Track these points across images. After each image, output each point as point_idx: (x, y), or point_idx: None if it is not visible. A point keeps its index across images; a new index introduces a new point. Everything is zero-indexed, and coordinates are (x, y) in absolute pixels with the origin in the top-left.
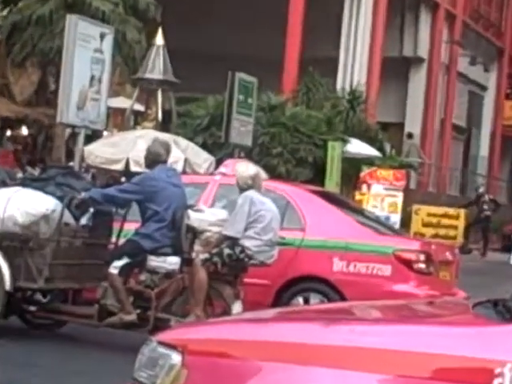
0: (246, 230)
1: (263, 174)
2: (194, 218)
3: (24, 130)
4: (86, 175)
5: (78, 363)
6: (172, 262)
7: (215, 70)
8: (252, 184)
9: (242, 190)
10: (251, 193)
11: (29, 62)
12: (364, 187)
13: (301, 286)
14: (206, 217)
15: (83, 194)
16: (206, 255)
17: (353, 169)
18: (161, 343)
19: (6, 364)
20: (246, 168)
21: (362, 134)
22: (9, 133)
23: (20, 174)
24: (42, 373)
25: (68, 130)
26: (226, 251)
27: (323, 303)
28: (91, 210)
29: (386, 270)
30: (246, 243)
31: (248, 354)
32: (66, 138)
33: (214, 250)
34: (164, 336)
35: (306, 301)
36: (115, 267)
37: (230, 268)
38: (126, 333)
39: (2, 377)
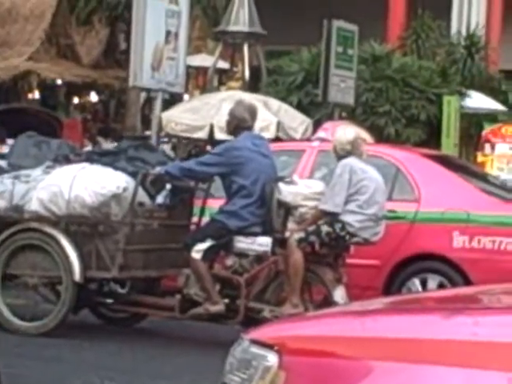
0: (346, 203)
1: (366, 137)
2: (285, 192)
3: (93, 97)
4: (164, 146)
5: (159, 364)
6: (262, 242)
7: (309, 18)
8: (351, 150)
9: (340, 157)
10: (351, 160)
11: (95, 18)
12: (487, 147)
13: (416, 267)
14: (300, 190)
15: (158, 169)
16: (302, 234)
17: (473, 126)
18: (254, 342)
19: (78, 366)
20: (344, 132)
21: (482, 86)
22: (76, 100)
23: (90, 147)
24: (118, 376)
25: (143, 95)
26: (325, 229)
27: (443, 289)
28: (168, 186)
29: None
30: (347, 218)
31: (357, 353)
32: (141, 104)
33: (311, 228)
34: (258, 333)
35: (423, 283)
36: (198, 251)
37: (329, 248)
38: (213, 326)
39: (75, 382)
